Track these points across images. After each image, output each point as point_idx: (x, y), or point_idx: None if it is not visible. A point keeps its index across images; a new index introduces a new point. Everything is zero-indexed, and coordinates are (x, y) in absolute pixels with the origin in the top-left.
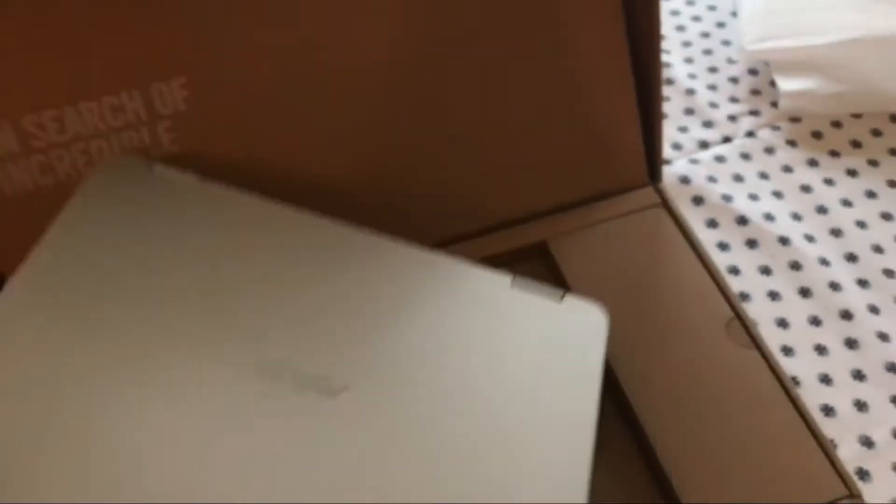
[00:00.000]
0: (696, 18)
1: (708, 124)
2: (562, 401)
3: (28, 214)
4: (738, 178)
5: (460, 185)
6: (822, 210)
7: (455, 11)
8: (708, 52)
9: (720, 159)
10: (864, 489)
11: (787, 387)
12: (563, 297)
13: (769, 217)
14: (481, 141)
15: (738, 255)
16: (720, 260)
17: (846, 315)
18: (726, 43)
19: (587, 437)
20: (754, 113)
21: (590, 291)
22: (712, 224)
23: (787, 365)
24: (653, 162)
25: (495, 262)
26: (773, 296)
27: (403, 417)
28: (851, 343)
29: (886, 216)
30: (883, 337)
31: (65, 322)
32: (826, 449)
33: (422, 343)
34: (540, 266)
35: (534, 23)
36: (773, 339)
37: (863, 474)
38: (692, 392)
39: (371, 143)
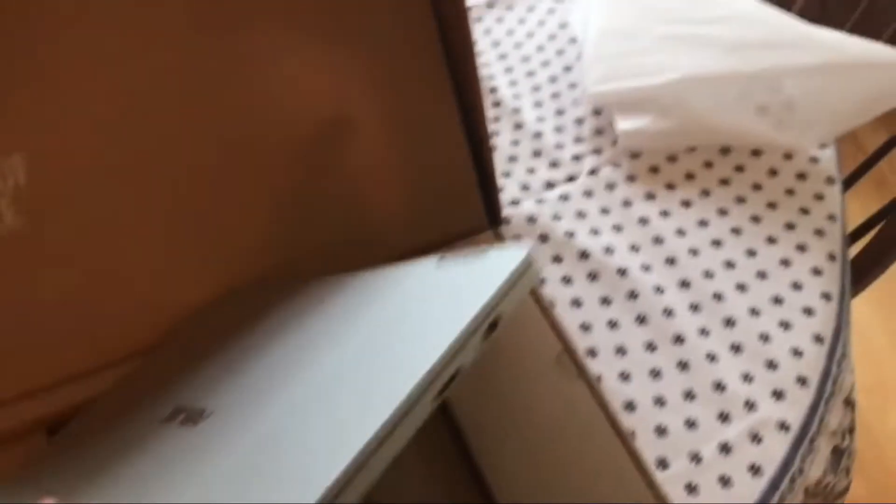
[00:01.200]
0: (545, 64)
1: (554, 164)
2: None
3: None
4: (581, 215)
5: (302, 238)
6: (658, 241)
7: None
8: (556, 95)
9: (565, 198)
10: (693, 501)
11: (608, 413)
12: (486, 251)
13: (609, 250)
14: (319, 193)
15: (581, 288)
16: (564, 294)
17: (678, 339)
18: (573, 86)
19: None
20: (597, 151)
21: None
22: (557, 259)
23: (624, 390)
24: (491, 207)
25: None
26: (612, 325)
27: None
28: (683, 365)
29: (717, 243)
30: (711, 357)
31: None
32: (642, 471)
33: (307, 347)
34: None
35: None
36: (611, 366)
37: (691, 489)
38: (524, 424)
39: (199, 204)
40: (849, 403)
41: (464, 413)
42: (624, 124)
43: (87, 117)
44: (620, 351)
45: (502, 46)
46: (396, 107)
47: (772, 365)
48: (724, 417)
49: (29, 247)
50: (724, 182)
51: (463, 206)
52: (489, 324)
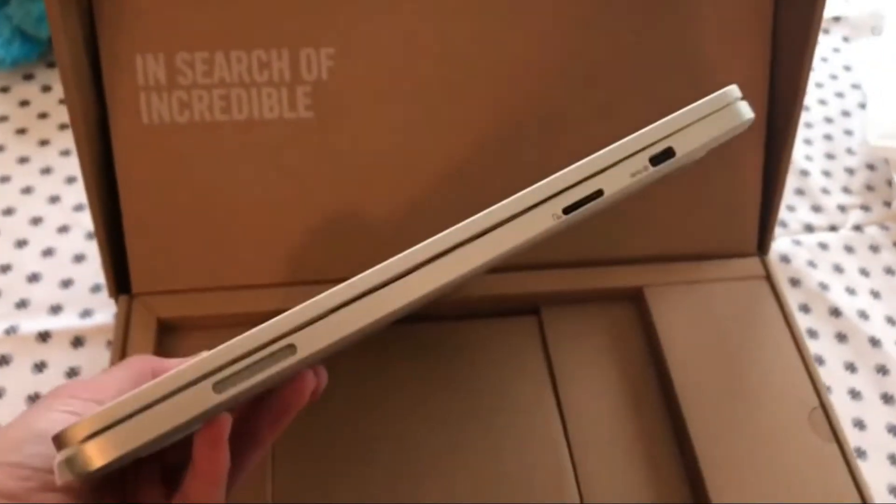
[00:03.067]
0: (822, 102)
1: (817, 209)
2: None
3: (160, 145)
4: (838, 269)
5: None
6: None
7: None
8: (828, 137)
9: (823, 246)
10: None
11: (861, 489)
12: None
13: (863, 315)
14: None
15: (826, 346)
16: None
17: None
18: (848, 132)
19: None
20: (865, 208)
21: (677, 348)
22: (805, 309)
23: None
24: (764, 234)
25: (586, 297)
26: (854, 394)
27: None
28: None
29: None
30: None
31: None
32: None
33: None
34: (630, 311)
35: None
36: (847, 437)
37: None
38: (764, 472)
39: (499, 144)
40: None
41: (703, 445)
42: None
43: (397, 31)
44: (859, 424)
45: None
46: None
47: None
48: None
49: (309, 138)
50: None
51: (739, 227)
52: (656, 153)
